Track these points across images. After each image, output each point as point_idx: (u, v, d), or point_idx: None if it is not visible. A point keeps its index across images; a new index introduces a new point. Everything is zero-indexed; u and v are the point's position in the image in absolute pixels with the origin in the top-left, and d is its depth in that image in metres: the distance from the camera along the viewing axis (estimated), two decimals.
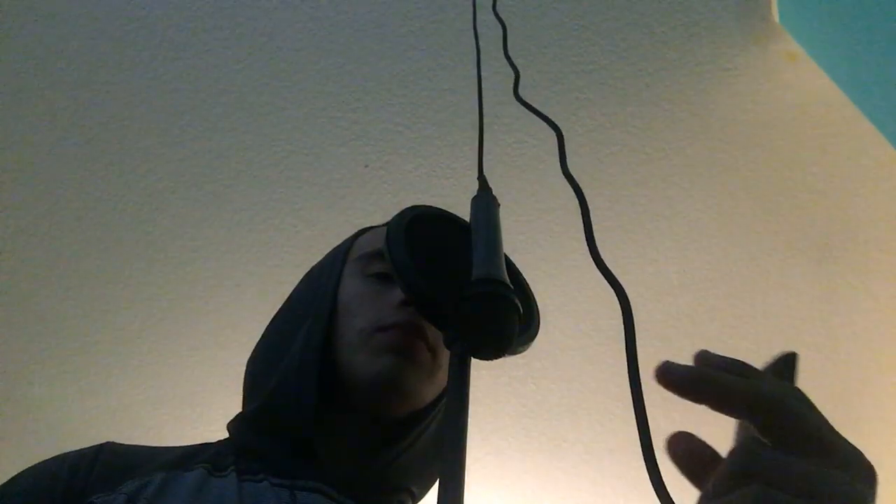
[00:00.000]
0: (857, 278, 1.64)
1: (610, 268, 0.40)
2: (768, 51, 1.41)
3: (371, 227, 0.83)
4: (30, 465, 0.65)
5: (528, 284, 0.56)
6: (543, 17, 1.42)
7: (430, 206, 0.54)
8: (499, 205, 0.51)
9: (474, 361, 0.40)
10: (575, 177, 0.45)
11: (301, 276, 0.89)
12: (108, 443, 0.69)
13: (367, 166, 1.57)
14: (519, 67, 0.60)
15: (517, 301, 0.41)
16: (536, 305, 0.54)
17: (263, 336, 0.76)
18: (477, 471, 1.89)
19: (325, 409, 0.66)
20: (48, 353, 1.81)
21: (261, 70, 1.50)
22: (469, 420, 0.37)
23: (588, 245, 0.42)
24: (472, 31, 0.77)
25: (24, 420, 1.89)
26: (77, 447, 0.67)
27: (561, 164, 0.49)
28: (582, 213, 0.43)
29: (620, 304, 0.38)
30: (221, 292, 1.72)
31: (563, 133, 0.50)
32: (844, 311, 1.68)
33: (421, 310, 0.43)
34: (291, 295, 0.79)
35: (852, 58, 1.18)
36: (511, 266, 0.55)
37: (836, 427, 0.34)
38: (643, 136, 1.51)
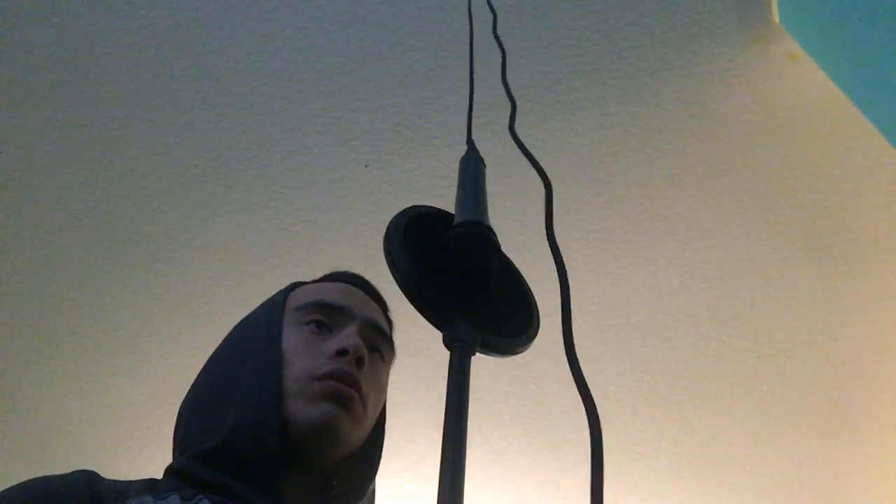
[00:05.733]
0: (857, 278, 1.64)
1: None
2: (768, 51, 1.41)
3: (303, 283, 0.86)
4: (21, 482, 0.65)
5: (527, 285, 0.56)
6: (543, 17, 1.42)
7: (430, 206, 0.54)
8: (485, 165, 0.52)
9: (475, 361, 0.40)
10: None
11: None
12: (92, 472, 0.69)
13: (367, 166, 1.57)
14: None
15: (496, 239, 0.41)
16: (536, 306, 0.54)
17: (202, 380, 0.77)
18: (477, 471, 1.89)
19: (280, 456, 0.68)
20: (48, 353, 1.81)
21: (261, 70, 1.50)
22: (469, 420, 0.37)
23: (563, 332, 0.40)
24: (468, 18, 0.77)
25: (24, 420, 1.89)
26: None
27: (546, 225, 0.47)
28: (561, 289, 0.42)
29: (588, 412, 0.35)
30: (221, 292, 1.71)
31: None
32: (844, 311, 1.68)
33: (419, 309, 0.43)
34: (227, 341, 0.80)
35: (852, 58, 1.18)
36: (512, 267, 0.55)
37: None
38: (643, 136, 1.51)
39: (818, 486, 1.90)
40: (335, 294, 0.80)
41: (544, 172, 0.50)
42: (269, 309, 0.80)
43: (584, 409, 0.37)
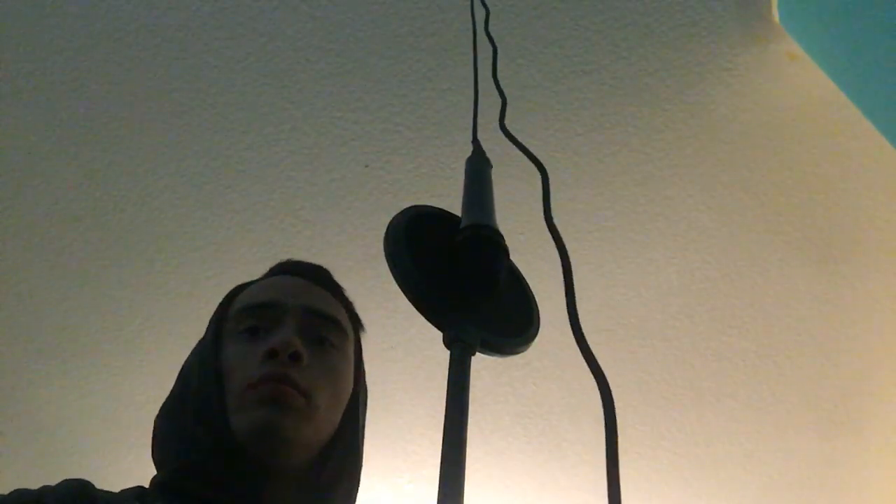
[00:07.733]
0: (857, 278, 1.64)
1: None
2: (768, 51, 1.41)
3: (246, 284, 0.84)
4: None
5: (528, 285, 0.56)
6: (543, 16, 1.42)
7: (431, 206, 0.54)
8: (491, 165, 0.52)
9: (475, 361, 0.40)
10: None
11: None
12: (84, 480, 0.69)
13: (367, 166, 1.57)
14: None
15: (505, 244, 0.41)
16: (536, 306, 0.54)
17: (168, 400, 0.77)
18: (477, 471, 1.89)
19: (246, 469, 0.67)
20: (48, 353, 1.81)
21: (261, 70, 1.50)
22: (469, 420, 0.37)
23: (568, 309, 0.39)
24: (472, 29, 0.77)
25: (24, 420, 1.89)
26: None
27: (544, 212, 0.47)
28: (563, 273, 0.41)
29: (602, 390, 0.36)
30: (221, 292, 1.71)
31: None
32: (844, 312, 1.68)
33: (419, 309, 0.43)
34: (187, 359, 0.80)
35: (852, 58, 1.18)
36: (512, 267, 0.55)
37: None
38: (643, 136, 1.51)
39: (818, 486, 1.90)
40: (266, 292, 0.78)
41: (539, 161, 0.50)
42: (212, 322, 0.79)
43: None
